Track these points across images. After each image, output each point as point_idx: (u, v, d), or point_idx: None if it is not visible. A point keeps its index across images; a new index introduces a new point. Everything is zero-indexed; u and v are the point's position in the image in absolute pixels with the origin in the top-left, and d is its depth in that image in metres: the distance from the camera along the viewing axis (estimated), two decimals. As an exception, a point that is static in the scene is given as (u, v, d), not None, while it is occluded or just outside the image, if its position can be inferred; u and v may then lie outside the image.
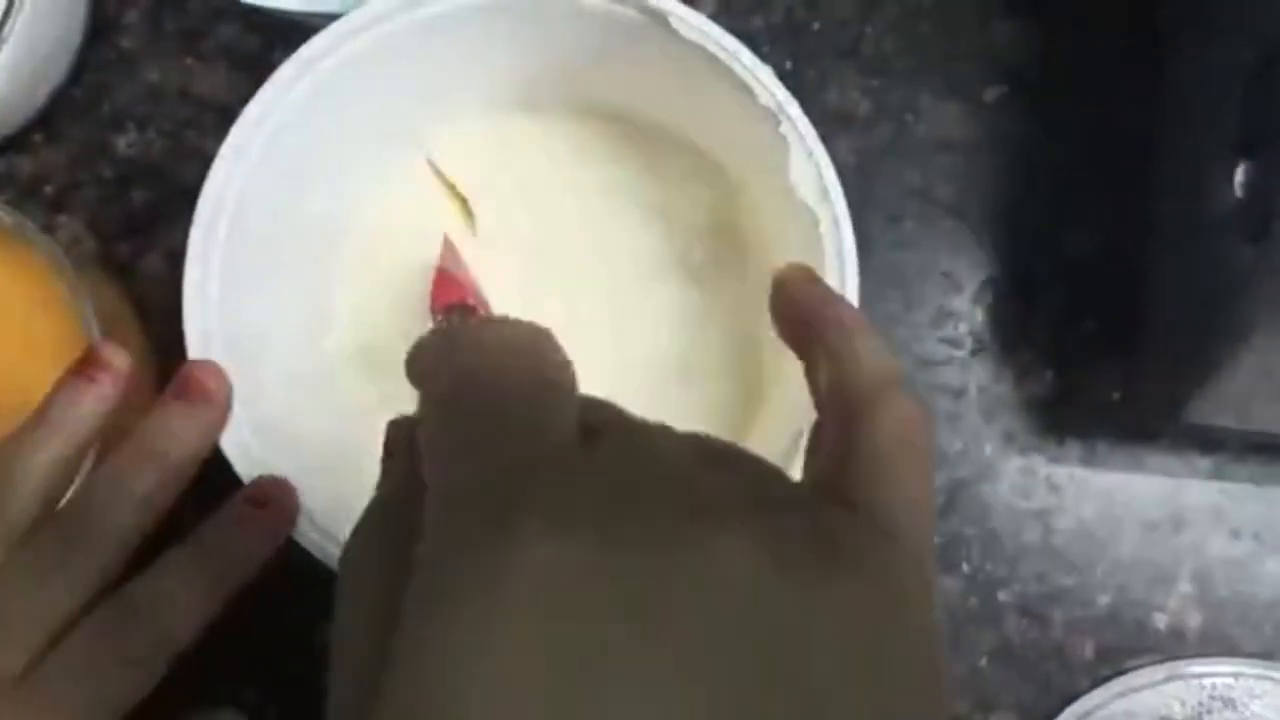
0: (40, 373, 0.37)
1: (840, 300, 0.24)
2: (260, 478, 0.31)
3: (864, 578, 0.17)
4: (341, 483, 0.34)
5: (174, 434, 0.31)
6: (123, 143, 0.42)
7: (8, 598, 0.28)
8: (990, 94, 0.42)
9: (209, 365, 0.32)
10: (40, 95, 0.41)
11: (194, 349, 0.32)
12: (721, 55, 0.31)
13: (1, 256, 0.37)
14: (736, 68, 0.31)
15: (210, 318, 0.32)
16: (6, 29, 0.36)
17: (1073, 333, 0.42)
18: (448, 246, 0.37)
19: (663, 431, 0.19)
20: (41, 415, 0.31)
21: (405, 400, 0.39)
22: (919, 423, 0.21)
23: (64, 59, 0.41)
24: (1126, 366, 0.40)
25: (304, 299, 0.37)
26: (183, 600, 0.29)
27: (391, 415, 0.38)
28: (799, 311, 0.24)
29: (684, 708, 0.15)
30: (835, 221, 0.31)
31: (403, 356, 0.40)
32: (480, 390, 0.19)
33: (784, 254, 0.36)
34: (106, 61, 0.42)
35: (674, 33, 0.31)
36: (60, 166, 0.42)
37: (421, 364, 0.21)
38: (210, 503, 0.32)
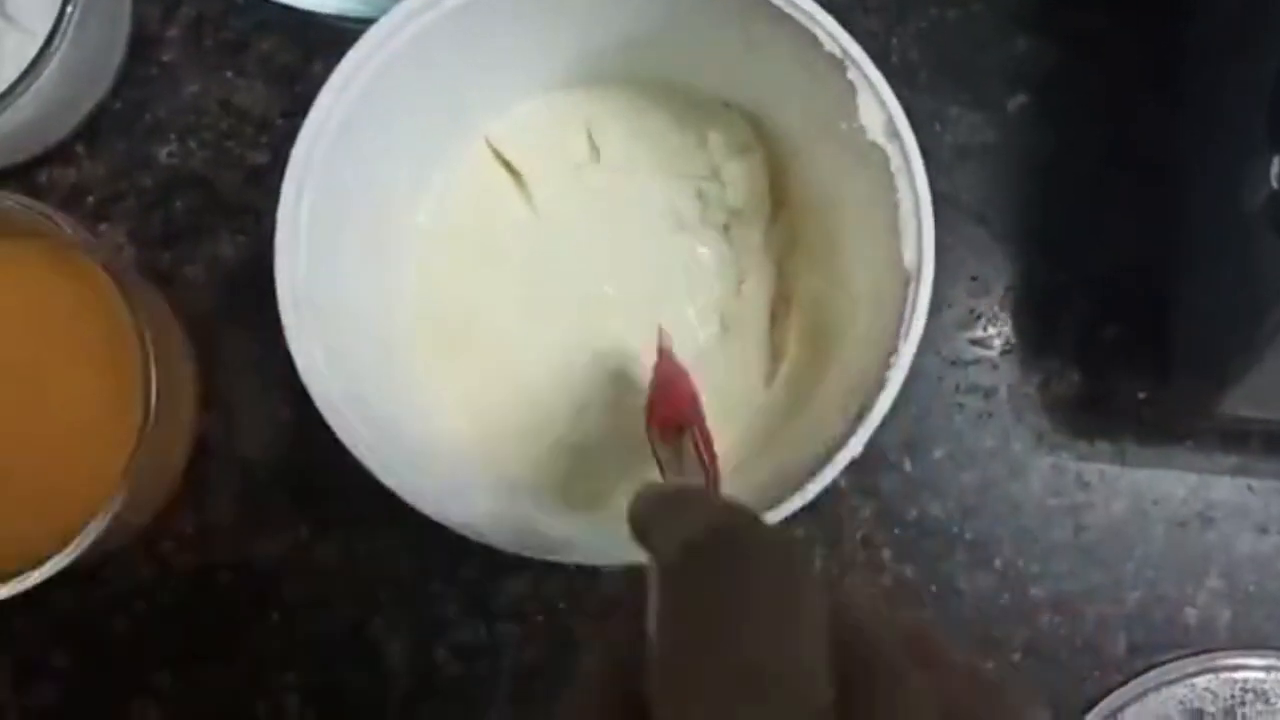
0: (88, 378, 0.38)
1: None
2: None
3: None
4: (410, 448, 0.35)
5: None
6: (163, 154, 0.42)
7: None
8: (1013, 104, 0.43)
9: None
10: (83, 109, 0.41)
11: (286, 314, 0.32)
12: (786, 7, 0.32)
13: (53, 263, 0.37)
14: (800, 18, 0.32)
15: (299, 284, 0.32)
16: (54, 44, 0.36)
17: (1096, 337, 0.43)
18: (664, 337, 0.36)
19: (921, 691, 0.17)
20: None
21: (474, 372, 0.39)
22: None
23: (106, 73, 0.41)
24: (1155, 365, 0.41)
25: (378, 271, 0.38)
26: None
27: (460, 385, 0.38)
28: None
29: None
30: (907, 158, 0.32)
31: (469, 327, 0.39)
32: (731, 619, 0.17)
33: (844, 218, 0.37)
34: (148, 75, 0.42)
35: None
36: (101, 177, 0.42)
37: (655, 528, 0.20)
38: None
